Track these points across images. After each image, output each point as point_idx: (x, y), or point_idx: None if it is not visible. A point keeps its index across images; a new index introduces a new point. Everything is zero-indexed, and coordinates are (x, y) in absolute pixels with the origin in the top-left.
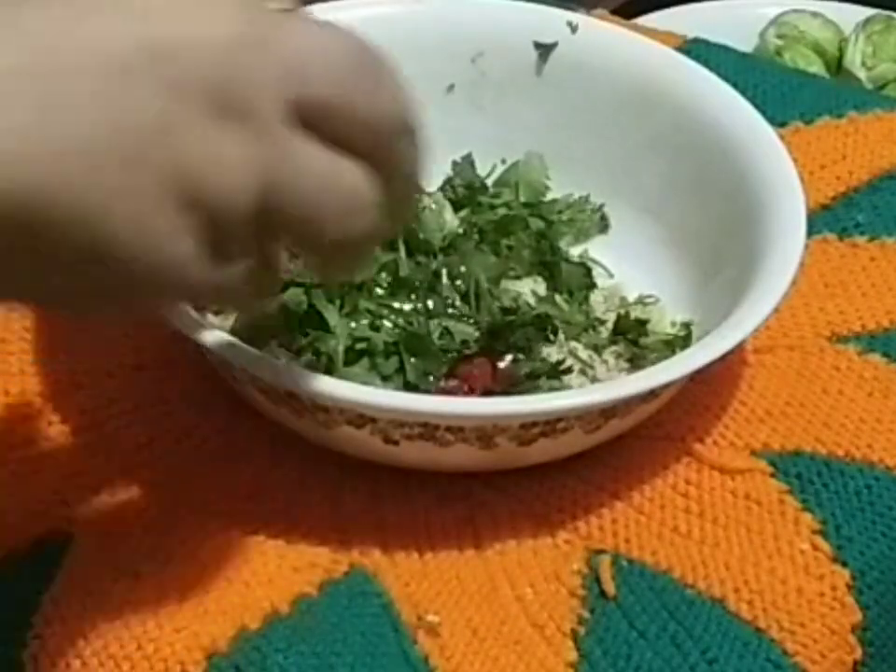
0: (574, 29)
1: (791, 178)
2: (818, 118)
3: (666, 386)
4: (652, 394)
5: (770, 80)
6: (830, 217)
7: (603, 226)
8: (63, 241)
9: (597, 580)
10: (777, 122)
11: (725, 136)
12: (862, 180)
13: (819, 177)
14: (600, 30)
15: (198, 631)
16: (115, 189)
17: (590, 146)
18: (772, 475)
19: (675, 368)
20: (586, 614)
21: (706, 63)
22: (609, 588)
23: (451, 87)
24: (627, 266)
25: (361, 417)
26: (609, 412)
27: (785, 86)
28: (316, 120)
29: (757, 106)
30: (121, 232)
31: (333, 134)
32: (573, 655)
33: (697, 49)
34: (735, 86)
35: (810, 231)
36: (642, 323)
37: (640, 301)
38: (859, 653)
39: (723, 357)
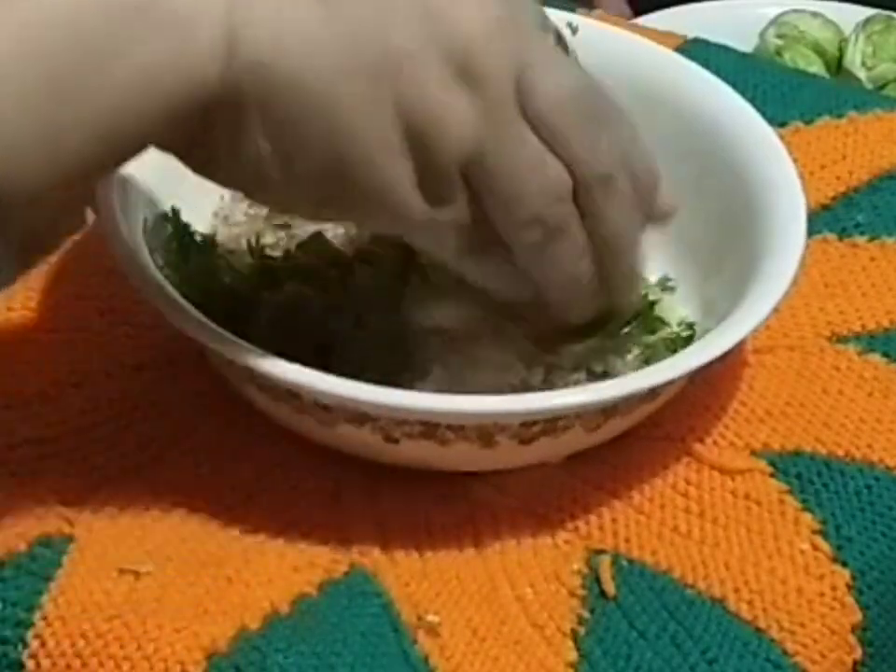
0: (574, 30)
1: (791, 179)
2: (818, 118)
3: (667, 385)
4: (654, 393)
5: (770, 80)
6: (830, 217)
7: None
8: (307, 122)
9: (597, 580)
10: (777, 122)
11: (726, 138)
12: (862, 180)
13: (819, 177)
14: (600, 31)
15: (198, 631)
16: (359, 95)
17: None
18: (772, 475)
19: (676, 367)
20: (586, 614)
21: (705, 63)
22: (609, 588)
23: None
24: None
25: (362, 415)
26: (609, 410)
27: (785, 86)
28: (536, 125)
29: (757, 107)
30: (353, 134)
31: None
32: (573, 655)
33: (697, 49)
34: (734, 86)
35: (810, 231)
36: (661, 320)
37: (662, 283)
38: (859, 653)
39: (723, 357)
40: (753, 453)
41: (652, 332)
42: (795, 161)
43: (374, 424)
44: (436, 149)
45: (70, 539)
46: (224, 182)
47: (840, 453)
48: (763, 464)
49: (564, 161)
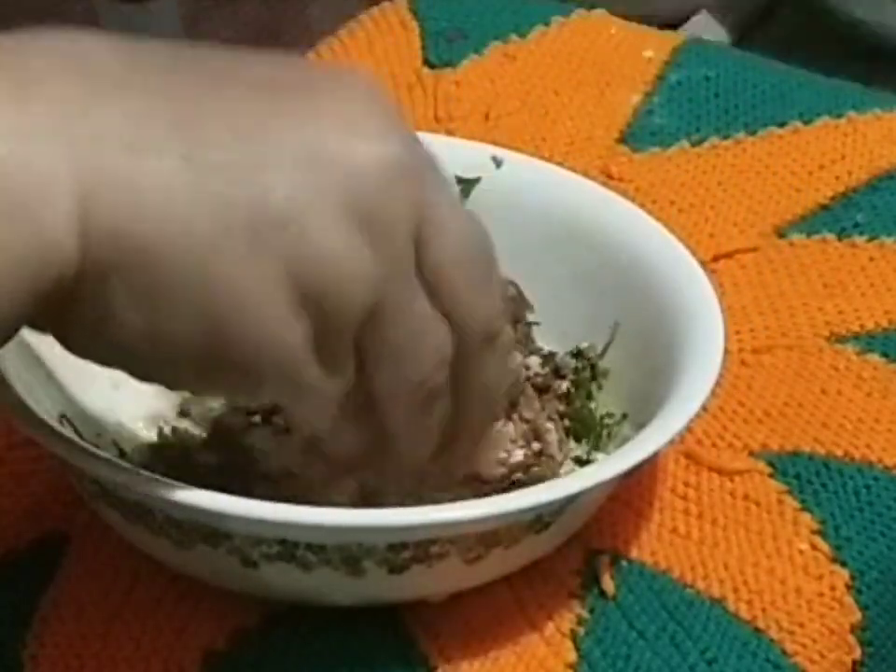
0: (498, 164)
1: (713, 315)
2: (816, 118)
3: (544, 509)
4: (538, 522)
5: (769, 80)
6: (829, 217)
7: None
8: (179, 291)
9: (596, 579)
10: (777, 122)
11: (649, 273)
12: (861, 180)
13: (818, 177)
14: (525, 165)
15: (196, 631)
16: (238, 256)
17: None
18: (771, 475)
19: (553, 489)
20: (585, 614)
21: (704, 63)
22: (609, 588)
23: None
24: None
25: (215, 533)
26: (487, 538)
27: (784, 86)
28: (422, 281)
29: (755, 106)
30: (233, 299)
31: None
32: (572, 656)
33: (696, 50)
34: (733, 86)
35: (809, 232)
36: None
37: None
38: (858, 653)
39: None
40: (752, 453)
41: None
42: (795, 161)
43: (230, 543)
44: (334, 310)
45: (69, 539)
46: (102, 360)
47: (839, 453)
48: (761, 464)
49: (452, 319)
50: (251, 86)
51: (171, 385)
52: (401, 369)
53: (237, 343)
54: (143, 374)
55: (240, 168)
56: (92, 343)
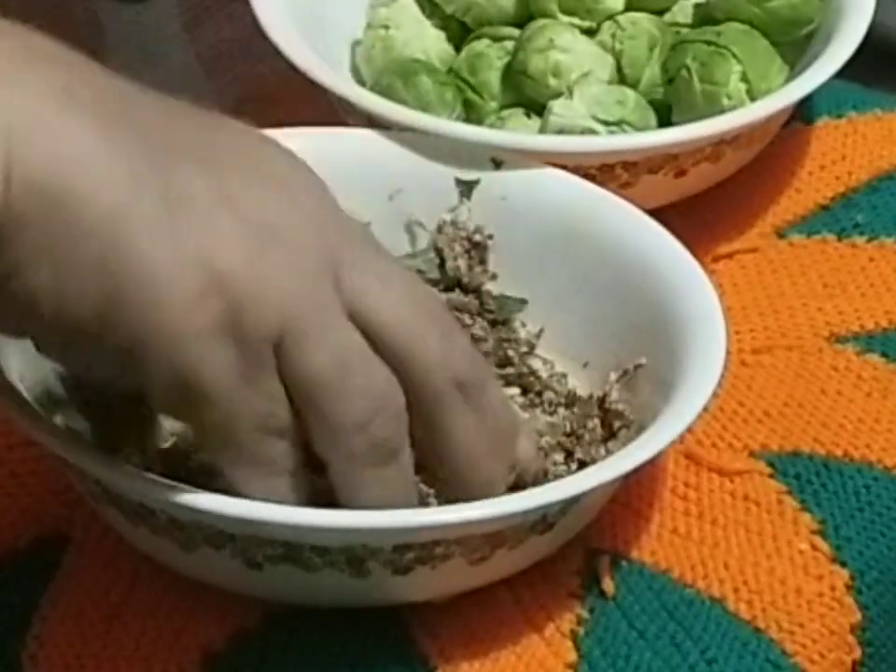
0: (498, 165)
1: (715, 315)
2: (817, 118)
3: (548, 509)
4: (544, 523)
5: None
6: (829, 218)
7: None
8: (85, 247)
9: (596, 580)
10: None
11: (649, 273)
12: (861, 180)
13: (819, 178)
14: (525, 166)
15: (196, 631)
16: (152, 226)
17: (513, 285)
18: (770, 476)
19: (559, 489)
20: (585, 614)
21: None
22: (609, 588)
23: (366, 225)
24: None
25: (220, 534)
26: (491, 539)
27: None
28: (374, 340)
29: None
30: (140, 268)
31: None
32: (572, 656)
33: None
34: None
35: (809, 232)
36: None
37: None
38: (858, 653)
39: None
40: (752, 453)
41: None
42: (795, 161)
43: (234, 545)
44: (248, 312)
45: (69, 539)
46: (6, 324)
47: (839, 453)
48: (761, 464)
49: (405, 369)
50: (175, 118)
51: (68, 363)
52: (329, 404)
53: (132, 313)
54: (41, 338)
55: (157, 138)
56: (3, 301)
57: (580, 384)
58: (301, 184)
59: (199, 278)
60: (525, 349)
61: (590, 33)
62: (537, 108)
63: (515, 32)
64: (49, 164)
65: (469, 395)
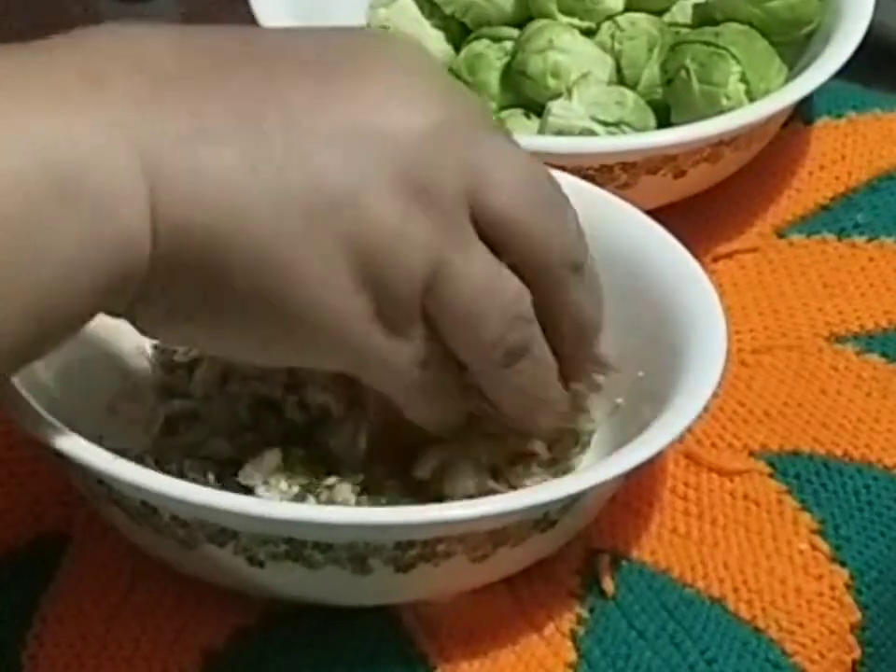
0: None
1: (715, 315)
2: (817, 118)
3: (550, 507)
4: (545, 520)
5: None
6: (829, 218)
7: None
8: (243, 278)
9: (596, 579)
10: None
11: (649, 273)
12: (861, 180)
13: (819, 178)
14: None
15: (196, 631)
16: (297, 239)
17: None
18: (770, 475)
19: (562, 487)
20: (585, 614)
21: None
22: (608, 587)
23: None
24: None
25: (222, 532)
26: (493, 536)
27: None
28: (491, 231)
29: None
30: (295, 280)
31: (504, 249)
32: (572, 655)
33: None
34: None
35: (809, 232)
36: None
37: None
38: (858, 653)
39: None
40: (752, 453)
41: None
42: (795, 161)
43: (237, 543)
44: (392, 280)
45: (68, 539)
46: (171, 341)
47: (838, 453)
48: (761, 464)
49: (526, 256)
50: (299, 67)
51: (239, 357)
52: (472, 332)
53: (301, 321)
54: (212, 350)
55: (293, 154)
56: (161, 328)
57: None
58: (415, 89)
59: (349, 270)
60: None
61: (589, 33)
62: (536, 109)
63: (514, 32)
64: (191, 208)
65: (581, 274)
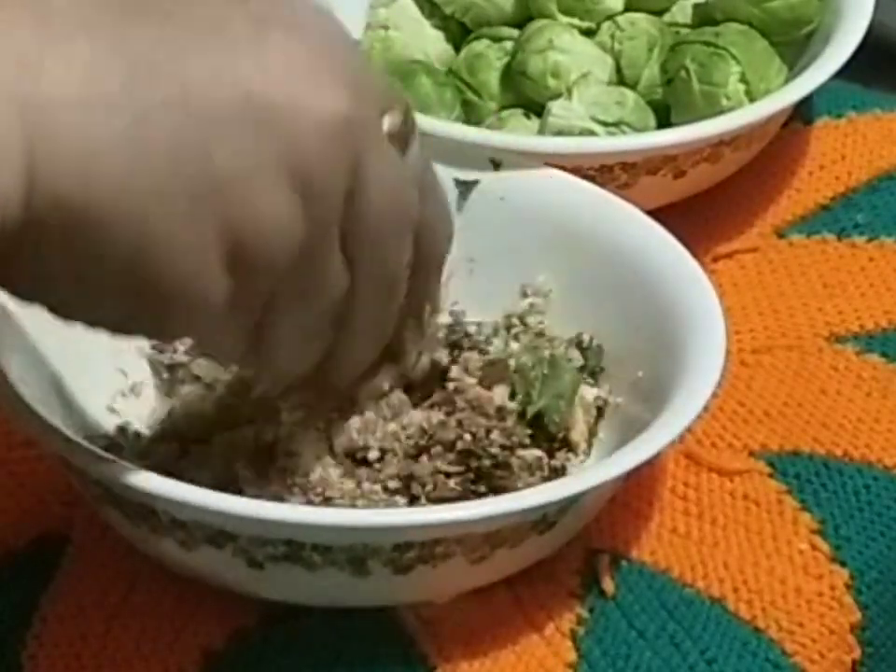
0: (497, 166)
1: (715, 315)
2: (817, 118)
3: (548, 509)
4: (544, 522)
5: None
6: (829, 218)
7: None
8: (117, 250)
9: (596, 579)
10: None
11: (649, 273)
12: (861, 180)
13: (819, 178)
14: (524, 168)
15: (196, 631)
16: (177, 218)
17: (513, 286)
18: (770, 475)
19: (558, 489)
20: (585, 614)
21: None
22: (608, 587)
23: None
24: None
25: (221, 533)
26: (492, 538)
27: None
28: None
29: None
30: (166, 256)
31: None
32: (572, 655)
33: None
34: None
35: (809, 232)
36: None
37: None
38: (857, 653)
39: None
40: (752, 453)
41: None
42: (794, 161)
43: (235, 545)
44: (259, 268)
45: (68, 539)
46: (26, 297)
47: (838, 452)
48: (761, 464)
49: (359, 264)
50: (202, 26)
51: (97, 325)
52: (299, 311)
53: (165, 298)
54: (69, 316)
55: (185, 130)
56: (26, 291)
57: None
58: (322, 68)
59: (220, 252)
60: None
61: (589, 33)
62: (536, 109)
63: (514, 32)
64: (74, 177)
65: (396, 291)
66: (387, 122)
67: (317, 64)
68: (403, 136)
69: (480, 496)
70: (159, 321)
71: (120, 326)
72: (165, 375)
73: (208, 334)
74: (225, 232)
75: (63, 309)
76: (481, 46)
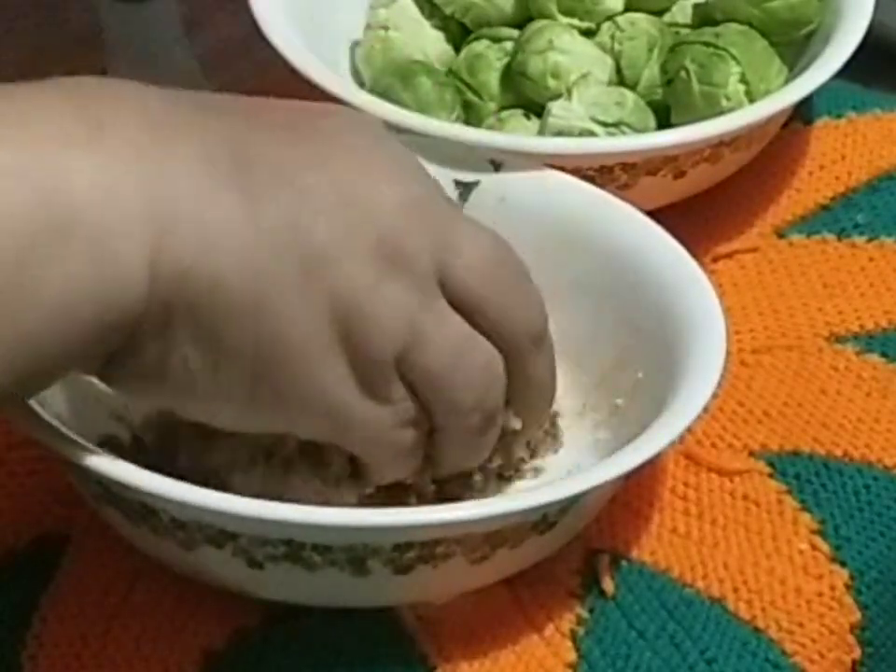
0: (497, 167)
1: (715, 315)
2: (817, 118)
3: (548, 509)
4: (544, 522)
5: None
6: (829, 218)
7: None
8: (240, 323)
9: (596, 579)
10: None
11: (649, 273)
12: (861, 181)
13: (819, 178)
14: (524, 169)
15: (196, 631)
16: (292, 290)
17: None
18: (770, 475)
19: (560, 489)
20: (585, 614)
21: None
22: (608, 587)
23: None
24: None
25: (221, 533)
26: (492, 538)
27: None
28: (459, 306)
29: None
30: (286, 332)
31: (472, 324)
32: (572, 655)
33: None
34: None
35: (809, 232)
36: None
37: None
38: (857, 653)
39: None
40: (752, 453)
41: None
42: (794, 161)
43: (235, 544)
44: (368, 341)
45: (68, 539)
46: (148, 396)
47: (838, 453)
48: (761, 464)
49: (493, 331)
50: (279, 131)
51: (218, 418)
52: (448, 395)
53: (287, 374)
54: (190, 408)
55: (284, 209)
56: (144, 381)
57: (578, 384)
58: (389, 162)
59: (332, 329)
60: None
61: (589, 34)
62: (536, 109)
63: (514, 33)
64: (197, 254)
65: (542, 344)
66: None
67: (384, 159)
68: None
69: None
70: (289, 405)
71: (250, 412)
72: None
73: (352, 428)
74: (330, 305)
75: (187, 401)
76: (481, 46)
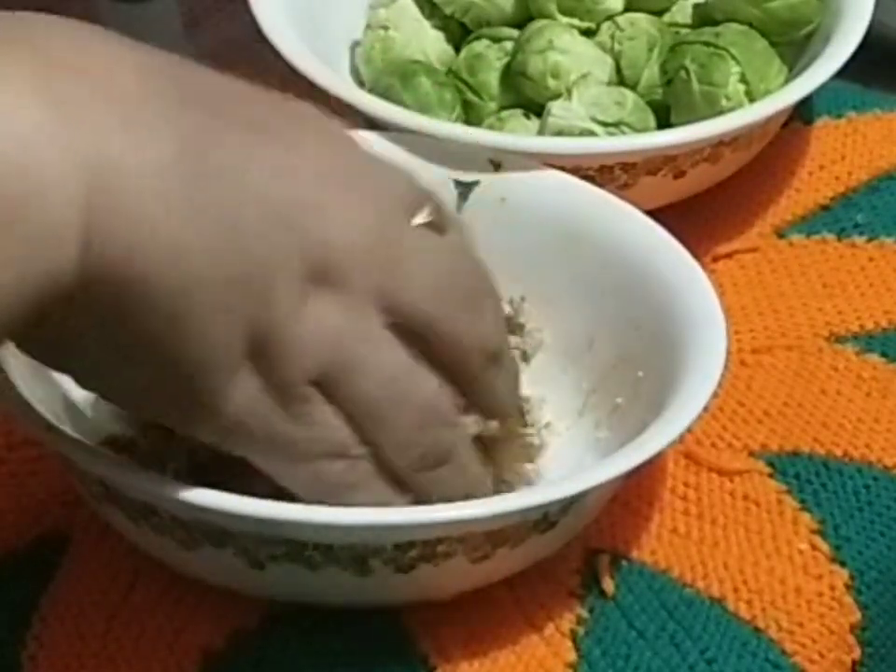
0: (497, 166)
1: (715, 315)
2: (817, 118)
3: (549, 508)
4: (545, 521)
5: None
6: (829, 218)
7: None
8: (154, 321)
9: (596, 579)
10: None
11: (649, 273)
12: (861, 180)
13: (818, 178)
14: (524, 168)
15: (196, 631)
16: (211, 303)
17: (512, 287)
18: (770, 475)
19: (562, 488)
20: (585, 614)
21: None
22: (608, 587)
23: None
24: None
25: (222, 533)
26: (493, 537)
27: None
28: (408, 326)
29: None
30: (195, 335)
31: (422, 347)
32: (572, 655)
33: None
34: None
35: (809, 232)
36: None
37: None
38: (857, 653)
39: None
40: (751, 453)
41: None
42: (794, 161)
43: (236, 544)
44: (282, 360)
45: (68, 539)
46: (56, 366)
47: (838, 453)
48: (761, 464)
49: (445, 352)
50: (244, 132)
51: (116, 402)
52: (383, 429)
53: (188, 376)
54: (91, 386)
55: (229, 223)
56: (54, 353)
57: (578, 383)
58: (349, 170)
59: (245, 345)
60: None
61: (589, 34)
62: (536, 109)
63: (514, 33)
64: (131, 247)
65: (499, 362)
66: (417, 220)
67: (346, 171)
68: (435, 227)
69: None
70: (183, 403)
71: (143, 402)
72: None
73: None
74: (249, 319)
75: (84, 375)
76: (481, 46)
